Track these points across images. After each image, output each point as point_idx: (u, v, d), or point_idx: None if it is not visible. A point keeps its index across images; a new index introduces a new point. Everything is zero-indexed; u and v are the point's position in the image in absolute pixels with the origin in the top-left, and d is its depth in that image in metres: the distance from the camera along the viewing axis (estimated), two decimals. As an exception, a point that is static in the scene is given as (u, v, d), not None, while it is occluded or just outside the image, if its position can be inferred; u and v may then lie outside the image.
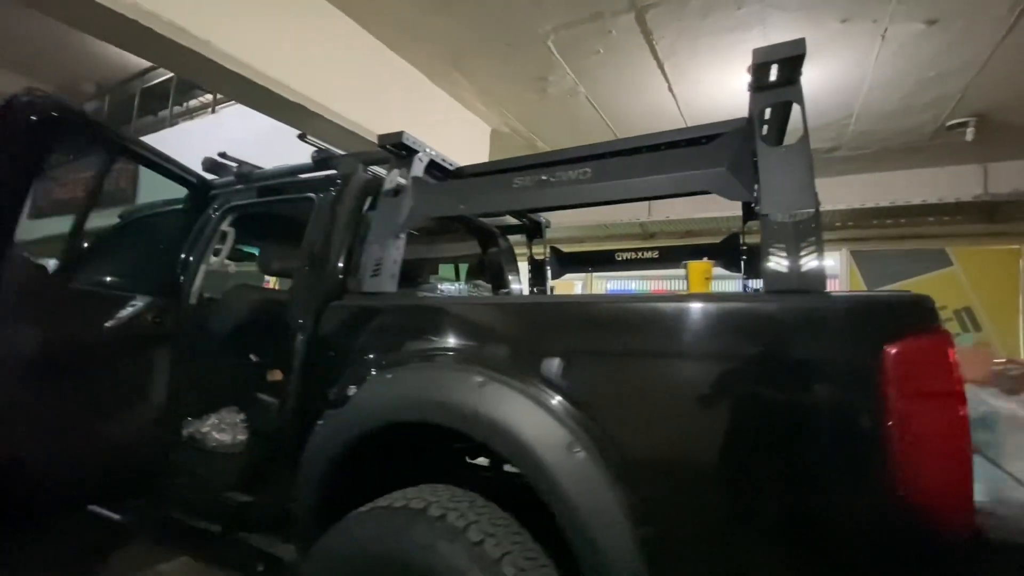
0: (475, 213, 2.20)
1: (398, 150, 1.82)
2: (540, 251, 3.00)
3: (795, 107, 1.31)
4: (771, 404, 1.05)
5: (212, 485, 1.98)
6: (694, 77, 3.24)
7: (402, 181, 1.81)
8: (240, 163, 2.33)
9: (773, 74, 1.31)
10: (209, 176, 2.36)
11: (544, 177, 1.62)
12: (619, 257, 2.67)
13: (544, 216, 2.86)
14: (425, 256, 3.03)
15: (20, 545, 2.26)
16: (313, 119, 2.83)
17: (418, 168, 1.85)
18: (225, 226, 2.29)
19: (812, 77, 3.25)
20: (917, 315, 1.00)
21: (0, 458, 1.70)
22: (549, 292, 2.97)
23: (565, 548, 1.12)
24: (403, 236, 1.78)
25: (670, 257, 2.45)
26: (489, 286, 3.02)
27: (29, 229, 1.78)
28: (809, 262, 1.16)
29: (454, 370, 1.39)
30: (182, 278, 2.18)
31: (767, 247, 1.20)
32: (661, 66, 3.17)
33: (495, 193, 1.77)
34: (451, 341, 1.50)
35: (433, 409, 1.35)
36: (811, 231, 1.18)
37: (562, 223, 6.02)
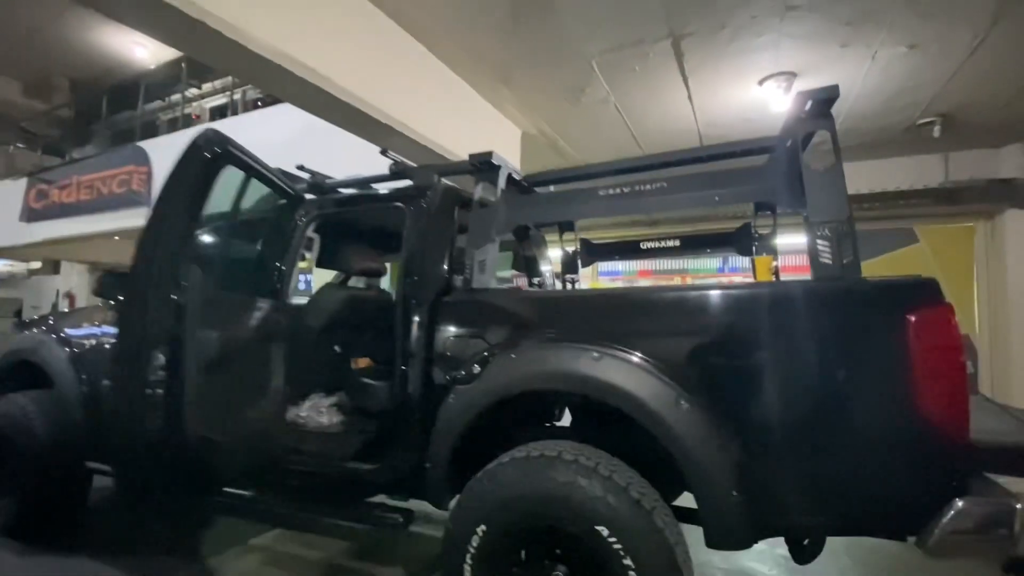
0: (562, 221, 2.62)
1: (484, 167, 2.13)
2: (569, 239, 3.35)
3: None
4: (827, 355, 1.49)
5: (334, 459, 2.21)
6: (712, 88, 3.73)
7: (486, 193, 2.11)
8: (313, 174, 2.57)
9: (810, 108, 1.70)
10: None
11: (627, 188, 1.97)
12: (644, 246, 2.86)
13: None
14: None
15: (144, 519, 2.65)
16: (389, 135, 3.17)
17: (503, 182, 2.14)
18: (311, 232, 2.61)
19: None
20: (927, 293, 1.49)
21: (189, 441, 1.95)
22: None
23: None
24: (498, 240, 2.10)
25: (691, 245, 2.78)
26: (524, 276, 3.39)
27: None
28: (847, 257, 1.62)
29: (573, 348, 1.71)
30: (281, 281, 2.41)
31: (816, 247, 1.62)
32: (685, 80, 3.65)
33: (582, 203, 2.10)
34: (558, 326, 1.82)
35: (561, 378, 1.70)
36: (847, 234, 1.62)
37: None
